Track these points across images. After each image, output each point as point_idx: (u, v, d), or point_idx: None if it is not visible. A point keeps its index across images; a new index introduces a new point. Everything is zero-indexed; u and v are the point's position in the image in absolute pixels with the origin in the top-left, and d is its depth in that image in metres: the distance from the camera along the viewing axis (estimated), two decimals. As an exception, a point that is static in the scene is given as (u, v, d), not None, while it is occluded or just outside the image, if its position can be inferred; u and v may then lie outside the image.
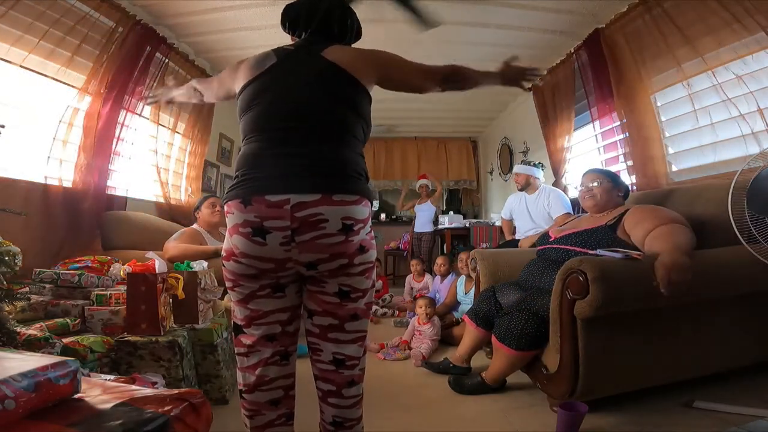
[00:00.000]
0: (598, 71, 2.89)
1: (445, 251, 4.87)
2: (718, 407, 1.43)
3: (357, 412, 1.01)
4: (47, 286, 1.58)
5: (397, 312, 3.50)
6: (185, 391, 0.65)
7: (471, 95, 4.41)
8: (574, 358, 1.35)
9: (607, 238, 1.59)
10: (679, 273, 1.22)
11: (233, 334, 1.02)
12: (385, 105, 4.27)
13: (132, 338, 1.44)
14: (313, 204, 0.86)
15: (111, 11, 2.48)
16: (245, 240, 0.89)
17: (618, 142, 2.83)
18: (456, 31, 3.01)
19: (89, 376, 1.08)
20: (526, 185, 3.04)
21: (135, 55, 2.65)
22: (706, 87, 2.18)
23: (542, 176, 3.10)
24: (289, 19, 1.10)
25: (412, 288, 3.68)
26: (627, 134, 2.69)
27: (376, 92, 1.05)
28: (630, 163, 2.70)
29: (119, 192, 2.75)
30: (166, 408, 0.59)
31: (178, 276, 1.59)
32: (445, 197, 6.44)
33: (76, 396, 0.61)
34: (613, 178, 1.82)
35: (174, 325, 1.58)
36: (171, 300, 1.58)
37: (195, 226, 2.45)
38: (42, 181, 2.22)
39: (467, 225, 4.64)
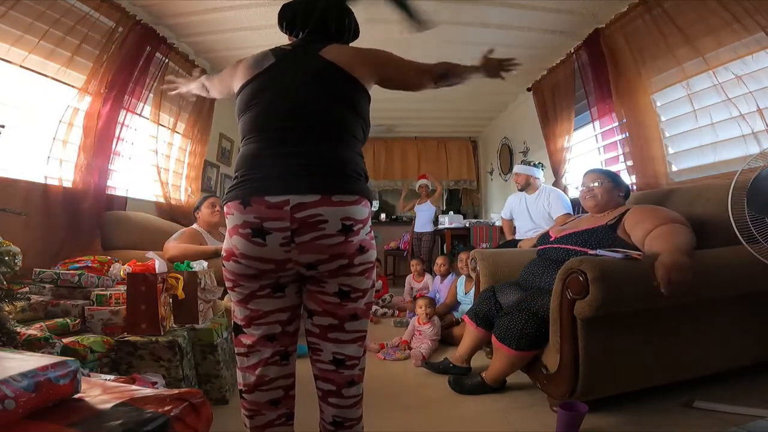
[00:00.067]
0: (598, 71, 2.88)
1: (445, 251, 4.87)
2: (718, 407, 1.43)
3: (357, 412, 1.01)
4: (47, 286, 1.58)
5: (397, 312, 3.50)
6: (185, 391, 0.65)
7: (471, 95, 4.46)
8: (574, 358, 1.35)
9: (607, 238, 1.59)
10: (679, 273, 1.22)
11: (233, 334, 1.02)
12: (385, 105, 4.27)
13: (132, 338, 1.44)
14: (313, 205, 0.86)
15: (111, 11, 2.48)
16: (245, 241, 0.89)
17: (618, 142, 2.83)
18: (456, 31, 3.01)
19: (89, 376, 1.08)
20: (526, 185, 3.05)
21: (135, 55, 2.65)
22: (706, 87, 2.18)
23: (542, 176, 3.10)
24: (286, 19, 1.10)
25: (412, 288, 3.68)
26: (627, 134, 2.69)
27: (376, 92, 1.05)
28: (630, 163, 2.69)
29: (119, 192, 2.75)
30: (166, 408, 0.59)
31: (178, 276, 1.59)
32: (445, 197, 6.43)
33: (76, 396, 0.61)
34: (613, 178, 1.82)
35: (174, 325, 1.58)
36: (171, 300, 1.58)
37: (195, 226, 2.45)
38: (42, 181, 2.22)
39: (467, 225, 4.64)
